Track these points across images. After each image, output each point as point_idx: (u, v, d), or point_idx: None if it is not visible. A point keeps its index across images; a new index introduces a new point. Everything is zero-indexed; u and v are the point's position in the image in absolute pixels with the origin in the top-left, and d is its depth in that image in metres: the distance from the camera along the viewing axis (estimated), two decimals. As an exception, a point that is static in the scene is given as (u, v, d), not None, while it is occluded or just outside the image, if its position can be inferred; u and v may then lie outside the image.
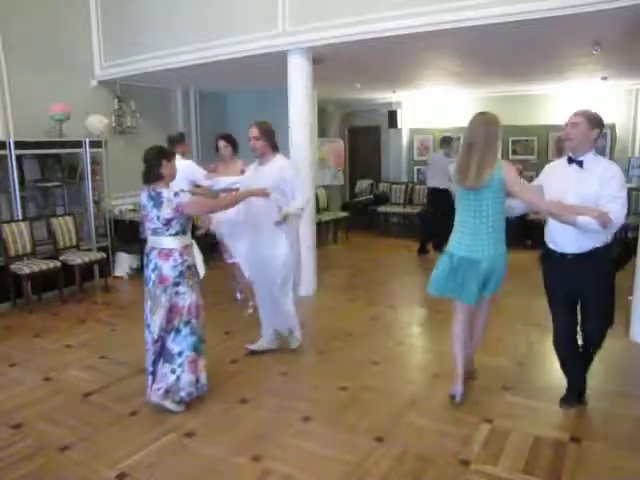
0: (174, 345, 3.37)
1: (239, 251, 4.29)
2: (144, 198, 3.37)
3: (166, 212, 3.26)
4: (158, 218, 3.29)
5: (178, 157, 5.05)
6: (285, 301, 4.09)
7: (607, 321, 3.22)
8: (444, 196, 7.52)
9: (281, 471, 2.77)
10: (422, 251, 8.04)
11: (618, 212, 2.92)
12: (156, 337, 3.36)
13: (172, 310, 3.36)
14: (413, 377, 3.95)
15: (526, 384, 3.74)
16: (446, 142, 7.84)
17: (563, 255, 3.14)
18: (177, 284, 3.34)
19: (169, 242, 3.34)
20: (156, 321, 3.35)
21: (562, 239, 3.12)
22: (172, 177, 3.43)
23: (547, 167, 3.39)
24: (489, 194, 3.12)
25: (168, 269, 3.32)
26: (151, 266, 3.36)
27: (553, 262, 3.24)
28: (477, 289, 3.25)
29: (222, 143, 5.26)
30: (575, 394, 3.37)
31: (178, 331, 3.38)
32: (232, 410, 3.43)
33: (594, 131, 3.02)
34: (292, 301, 4.13)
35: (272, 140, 3.97)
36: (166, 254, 3.33)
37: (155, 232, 3.34)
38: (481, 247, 3.20)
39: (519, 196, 3.14)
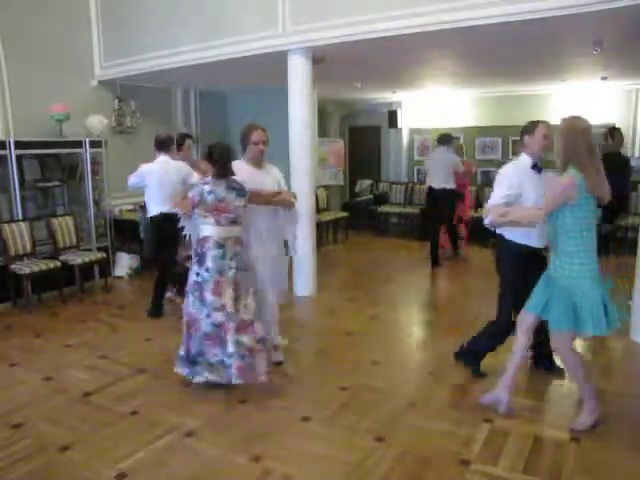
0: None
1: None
2: (222, 190, 3.52)
3: (244, 202, 3.59)
4: (239, 208, 3.58)
5: (167, 158, 5.16)
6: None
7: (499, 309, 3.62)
8: (449, 196, 7.22)
9: (281, 471, 2.77)
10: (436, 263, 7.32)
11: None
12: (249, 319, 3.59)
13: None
14: (413, 377, 3.94)
15: (526, 384, 3.73)
16: (447, 139, 7.30)
17: None
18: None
19: (240, 231, 3.66)
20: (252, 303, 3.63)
21: None
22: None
23: None
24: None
25: (247, 255, 3.68)
26: (230, 254, 3.56)
27: None
28: None
29: (190, 142, 5.48)
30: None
31: None
32: (232, 410, 3.43)
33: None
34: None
35: None
36: (241, 241, 3.65)
37: (234, 222, 3.60)
38: None
39: None
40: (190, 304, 3.58)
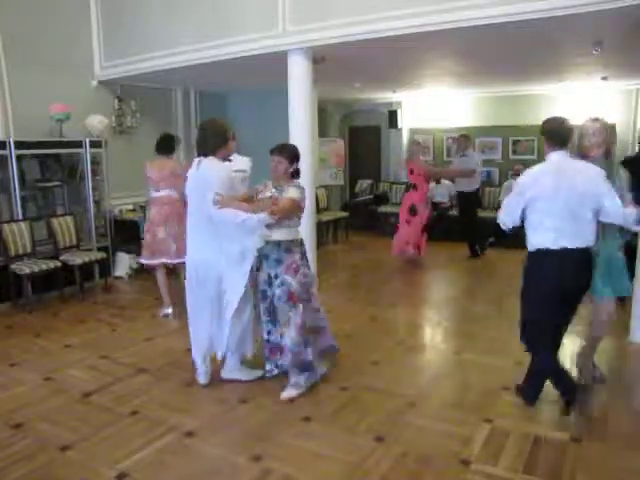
0: None
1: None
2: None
3: None
4: None
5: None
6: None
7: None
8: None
9: (281, 471, 2.77)
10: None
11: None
12: None
13: None
14: (413, 377, 3.94)
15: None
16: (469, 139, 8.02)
17: None
18: None
19: None
20: None
21: None
22: None
23: None
24: None
25: None
26: None
27: None
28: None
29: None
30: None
31: None
32: (232, 410, 3.43)
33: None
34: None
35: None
36: None
37: None
38: None
39: None
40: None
